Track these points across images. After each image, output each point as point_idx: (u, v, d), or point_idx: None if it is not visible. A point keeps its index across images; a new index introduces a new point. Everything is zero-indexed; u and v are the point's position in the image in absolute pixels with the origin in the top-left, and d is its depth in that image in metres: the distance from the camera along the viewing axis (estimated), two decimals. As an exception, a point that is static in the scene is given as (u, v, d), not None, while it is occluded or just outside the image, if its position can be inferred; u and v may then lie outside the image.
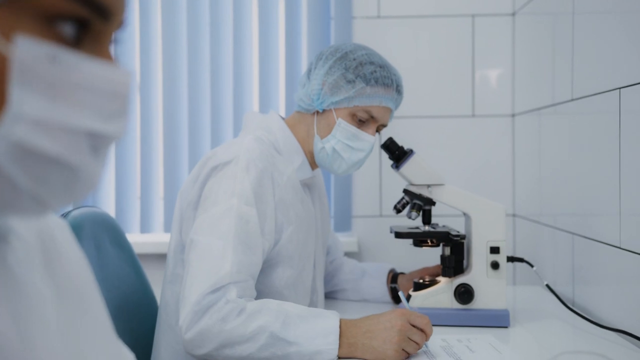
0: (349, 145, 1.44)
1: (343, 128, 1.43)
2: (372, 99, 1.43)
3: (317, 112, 1.46)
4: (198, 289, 1.18)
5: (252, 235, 1.27)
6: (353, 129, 1.43)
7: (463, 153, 2.19)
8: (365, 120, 1.44)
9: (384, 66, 1.44)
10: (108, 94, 0.43)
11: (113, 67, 0.44)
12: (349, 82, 1.41)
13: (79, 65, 0.42)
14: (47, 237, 0.55)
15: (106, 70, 0.43)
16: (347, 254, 2.02)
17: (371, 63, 1.43)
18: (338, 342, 1.17)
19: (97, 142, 0.44)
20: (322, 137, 1.45)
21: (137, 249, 1.63)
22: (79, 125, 0.42)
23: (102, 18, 0.43)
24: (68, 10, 0.41)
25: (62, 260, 0.55)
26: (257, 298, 1.29)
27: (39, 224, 0.55)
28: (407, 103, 2.07)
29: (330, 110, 1.44)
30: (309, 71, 1.47)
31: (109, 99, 0.43)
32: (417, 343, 1.20)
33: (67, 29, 0.42)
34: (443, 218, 1.81)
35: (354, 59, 1.42)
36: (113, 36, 0.46)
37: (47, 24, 0.41)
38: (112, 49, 0.46)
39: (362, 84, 1.41)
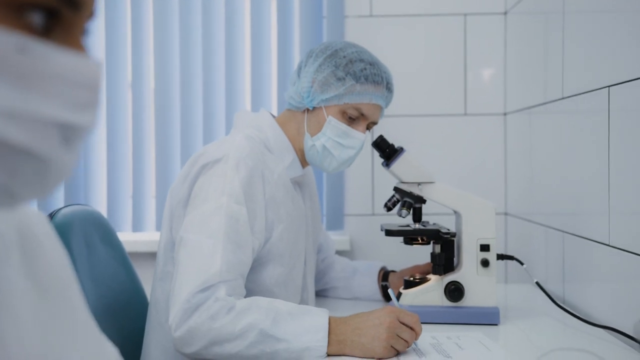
0: (340, 143, 1.44)
1: (333, 125, 1.43)
2: (362, 96, 1.43)
3: (308, 109, 1.46)
4: (188, 288, 1.18)
5: (242, 234, 1.27)
6: (343, 126, 1.43)
7: (455, 152, 2.19)
8: (355, 118, 1.44)
9: (374, 63, 1.44)
10: (78, 85, 0.43)
11: (83, 57, 0.44)
12: (339, 79, 1.41)
13: (49, 56, 0.41)
14: (26, 231, 0.55)
15: (76, 60, 0.43)
16: (340, 253, 2.02)
17: (361, 60, 1.43)
18: (327, 339, 1.17)
19: (68, 133, 0.43)
20: (312, 135, 1.45)
21: (129, 248, 1.62)
22: (49, 116, 0.41)
23: (72, 8, 0.43)
24: (36, 0, 0.41)
25: (41, 255, 0.55)
26: (247, 296, 1.29)
27: (19, 218, 0.55)
28: (399, 102, 2.07)
29: (321, 107, 1.44)
30: (299, 69, 1.47)
31: (79, 89, 0.43)
32: (406, 341, 1.20)
33: (37, 19, 0.41)
34: (435, 217, 1.81)
35: (344, 57, 1.43)
36: (84, 27, 0.46)
37: (15, 14, 0.40)
38: (83, 40, 0.46)
39: (352, 81, 1.41)
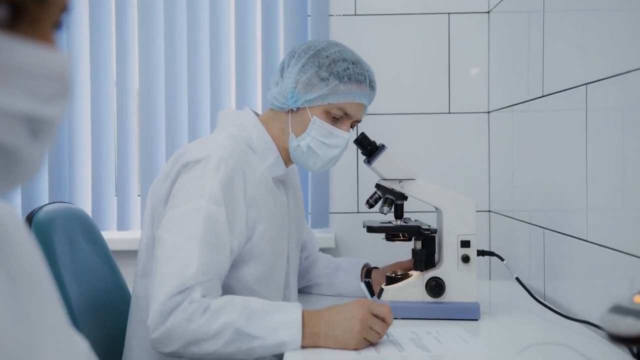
0: (324, 143, 1.45)
1: (318, 126, 1.44)
2: (345, 96, 1.44)
3: (292, 110, 1.46)
4: (164, 290, 1.21)
5: (220, 235, 1.28)
6: (327, 126, 1.44)
7: (440, 150, 2.21)
8: (339, 117, 1.45)
9: (356, 63, 1.45)
10: (44, 77, 0.44)
11: (50, 50, 0.44)
12: (323, 80, 1.42)
13: (13, 48, 0.42)
14: None
15: (43, 53, 0.44)
16: (325, 250, 2.03)
17: (344, 60, 1.44)
18: (301, 332, 1.20)
19: (35, 126, 0.44)
20: (297, 135, 1.46)
21: (114, 246, 1.63)
22: (13, 108, 0.42)
23: (37, 1, 0.44)
24: None
25: (12, 247, 0.55)
26: (229, 293, 1.31)
27: None
28: (384, 100, 2.09)
29: (305, 108, 1.45)
30: (282, 69, 1.48)
31: (45, 81, 0.44)
32: (377, 332, 1.22)
33: (1, 12, 0.42)
34: (417, 214, 1.82)
35: (327, 57, 1.43)
36: (56, 20, 0.46)
37: None
38: (55, 33, 0.46)
39: (336, 81, 1.42)
